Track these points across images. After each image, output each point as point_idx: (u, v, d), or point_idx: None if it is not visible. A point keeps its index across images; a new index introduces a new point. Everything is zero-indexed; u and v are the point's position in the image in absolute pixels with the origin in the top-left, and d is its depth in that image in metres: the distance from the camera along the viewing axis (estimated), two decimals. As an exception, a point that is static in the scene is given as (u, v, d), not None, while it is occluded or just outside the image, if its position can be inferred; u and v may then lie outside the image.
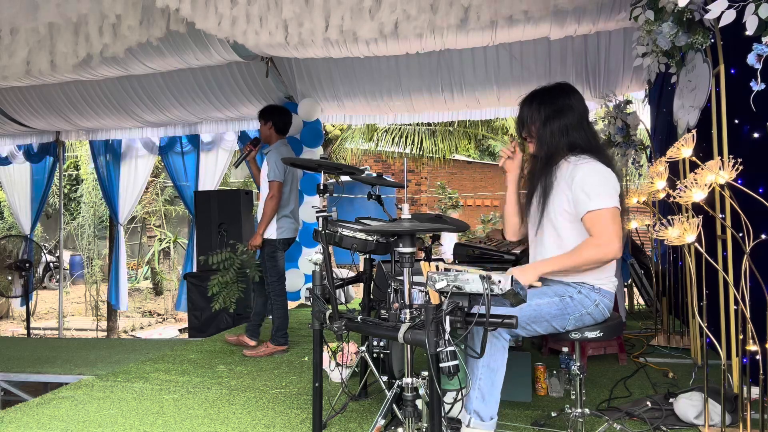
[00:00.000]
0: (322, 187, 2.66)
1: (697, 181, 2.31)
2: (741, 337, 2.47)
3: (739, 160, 2.31)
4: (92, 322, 11.58)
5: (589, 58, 5.46)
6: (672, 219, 2.33)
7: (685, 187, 2.33)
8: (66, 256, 14.17)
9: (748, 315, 2.36)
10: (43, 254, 12.00)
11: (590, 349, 3.82)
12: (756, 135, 2.80)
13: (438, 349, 1.85)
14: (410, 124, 11.94)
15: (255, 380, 3.77)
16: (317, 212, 2.54)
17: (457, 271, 1.89)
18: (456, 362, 1.85)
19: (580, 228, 2.27)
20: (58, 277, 10.52)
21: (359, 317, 2.28)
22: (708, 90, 3.03)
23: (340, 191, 3.34)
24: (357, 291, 8.23)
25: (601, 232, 2.18)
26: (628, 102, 4.82)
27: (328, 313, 2.37)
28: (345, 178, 2.96)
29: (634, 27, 3.73)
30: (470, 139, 13.80)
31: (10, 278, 7.96)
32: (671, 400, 2.85)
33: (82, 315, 12.55)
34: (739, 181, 2.42)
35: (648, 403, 2.88)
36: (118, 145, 7.55)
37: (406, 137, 12.36)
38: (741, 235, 2.40)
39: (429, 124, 12.09)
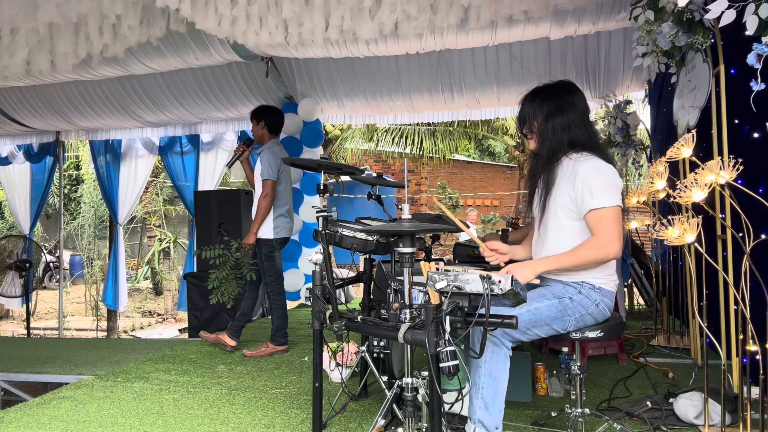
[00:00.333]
0: (322, 187, 2.66)
1: (697, 181, 2.30)
2: (741, 337, 2.47)
3: (739, 160, 2.31)
4: (92, 322, 11.59)
5: (589, 58, 5.46)
6: (672, 219, 2.33)
7: (685, 187, 2.33)
8: (66, 256, 14.17)
9: (748, 315, 2.36)
10: (42, 254, 12.00)
11: (590, 349, 3.82)
12: (756, 135, 2.80)
13: (438, 349, 1.85)
14: (410, 124, 11.95)
15: (255, 380, 3.77)
16: (317, 212, 2.53)
17: (457, 271, 1.89)
18: (456, 362, 1.85)
19: (582, 225, 2.27)
20: (58, 277, 10.53)
21: (359, 317, 2.28)
22: (708, 90, 3.02)
23: (340, 191, 3.34)
24: (357, 291, 8.24)
25: (603, 232, 2.18)
26: (628, 102, 4.82)
27: (328, 313, 2.37)
28: (345, 178, 2.96)
29: (634, 27, 3.73)
30: (470, 139, 13.81)
31: (9, 278, 7.97)
32: (671, 400, 2.85)
33: (82, 315, 12.56)
34: (739, 181, 2.42)
35: (648, 403, 2.88)
36: (118, 145, 7.55)
37: (406, 137, 12.37)
38: (741, 235, 2.40)
39: (429, 124, 12.10)
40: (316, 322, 2.46)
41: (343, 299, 6.99)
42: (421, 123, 11.74)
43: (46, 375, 4.45)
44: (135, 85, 6.32)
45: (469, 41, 5.20)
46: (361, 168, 3.05)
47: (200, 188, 7.15)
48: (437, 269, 1.99)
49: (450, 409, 2.42)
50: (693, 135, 2.49)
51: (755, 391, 2.55)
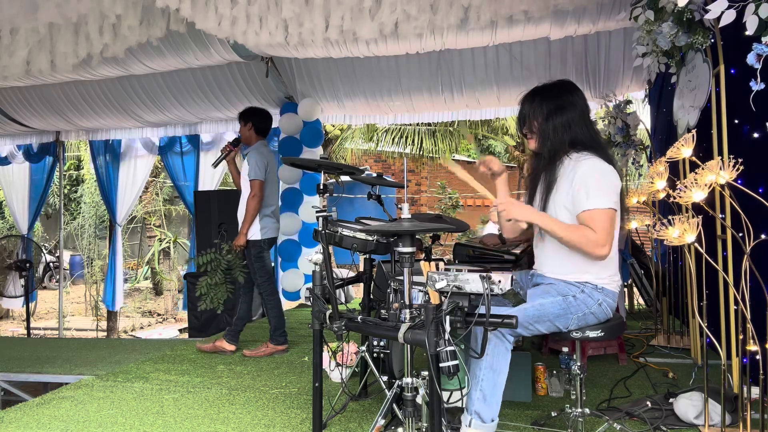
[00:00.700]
0: (322, 187, 2.66)
1: (697, 181, 2.30)
2: (741, 337, 2.47)
3: (739, 160, 2.31)
4: (92, 322, 11.59)
5: (589, 58, 5.46)
6: (672, 219, 2.33)
7: (685, 187, 2.33)
8: (66, 256, 14.17)
9: (748, 315, 2.36)
10: (42, 254, 12.00)
11: (590, 349, 3.82)
12: (756, 135, 2.80)
13: (438, 349, 1.85)
14: (410, 124, 11.94)
15: (255, 380, 3.77)
16: (317, 212, 2.53)
17: (457, 270, 1.89)
18: (456, 362, 1.86)
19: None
20: (58, 277, 10.53)
21: (359, 317, 2.28)
22: (708, 90, 3.03)
23: (340, 191, 3.33)
24: (357, 291, 8.23)
25: (597, 232, 2.19)
26: (628, 102, 4.82)
27: (328, 313, 2.37)
28: (345, 178, 2.96)
29: (634, 27, 3.73)
30: (463, 138, 13.78)
31: (9, 278, 7.97)
32: (671, 400, 2.85)
33: (82, 315, 12.57)
34: (739, 181, 2.42)
35: (648, 403, 2.88)
36: (117, 145, 7.55)
37: (406, 137, 12.36)
38: (741, 235, 2.40)
39: (429, 124, 12.09)
40: (316, 322, 2.46)
41: (343, 299, 6.98)
42: (421, 123, 11.74)
43: (46, 375, 4.46)
44: (135, 85, 6.32)
45: (469, 41, 5.20)
46: (361, 168, 3.05)
47: (200, 188, 7.15)
48: (437, 269, 1.99)
49: (448, 400, 2.42)
50: (693, 135, 2.49)
51: (755, 391, 2.55)
